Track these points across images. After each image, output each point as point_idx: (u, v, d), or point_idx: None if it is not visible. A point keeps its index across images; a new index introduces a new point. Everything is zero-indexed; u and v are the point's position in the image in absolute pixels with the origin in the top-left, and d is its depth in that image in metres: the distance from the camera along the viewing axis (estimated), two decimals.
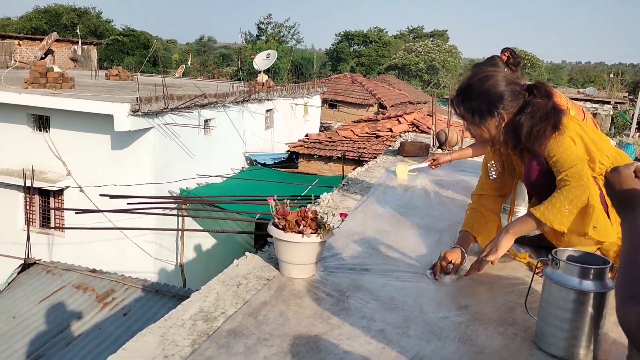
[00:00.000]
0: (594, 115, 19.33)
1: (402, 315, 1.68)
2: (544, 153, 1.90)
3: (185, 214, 8.17)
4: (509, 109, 1.92)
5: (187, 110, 9.18)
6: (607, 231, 1.83)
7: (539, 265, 1.71)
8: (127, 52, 30.13)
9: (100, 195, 6.77)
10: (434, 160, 3.58)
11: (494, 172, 2.19)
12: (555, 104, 1.93)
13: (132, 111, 7.75)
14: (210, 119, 10.16)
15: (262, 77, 12.76)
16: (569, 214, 1.78)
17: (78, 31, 19.70)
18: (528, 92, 1.94)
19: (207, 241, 9.87)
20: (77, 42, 18.47)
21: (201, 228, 8.55)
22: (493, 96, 1.91)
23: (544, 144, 1.87)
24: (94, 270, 6.45)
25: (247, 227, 9.26)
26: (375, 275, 2.00)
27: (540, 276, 1.70)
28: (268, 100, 12.47)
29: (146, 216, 7.05)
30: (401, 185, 3.59)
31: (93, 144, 8.57)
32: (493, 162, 2.20)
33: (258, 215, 7.14)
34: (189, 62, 30.07)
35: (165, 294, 5.95)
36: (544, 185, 1.94)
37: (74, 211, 6.22)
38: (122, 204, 6.22)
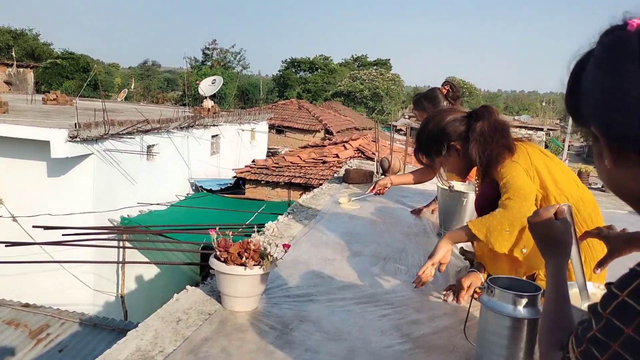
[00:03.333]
0: (528, 141, 20.34)
1: (346, 346, 1.68)
2: (496, 176, 1.94)
3: (127, 244, 7.89)
4: (458, 138, 2.03)
5: (129, 136, 8.94)
6: (537, 259, 1.86)
7: (477, 291, 1.76)
8: (67, 75, 29.14)
9: (33, 226, 6.45)
10: (376, 186, 3.65)
11: None
12: (497, 121, 1.98)
13: (70, 137, 7.47)
14: (153, 145, 9.93)
15: (208, 103, 12.67)
16: (510, 236, 1.82)
17: (13, 53, 18.93)
18: (469, 119, 2.03)
19: (150, 270, 9.54)
20: (11, 65, 17.73)
21: (143, 259, 8.27)
22: (438, 134, 2.06)
23: (498, 166, 1.92)
24: (26, 305, 6.10)
25: (192, 256, 9.05)
26: (320, 305, 1.99)
27: (477, 299, 1.75)
28: (214, 125, 12.35)
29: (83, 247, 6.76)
30: (346, 213, 3.62)
31: (28, 171, 8.17)
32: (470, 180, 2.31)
33: (202, 245, 6.99)
34: (132, 87, 29.45)
35: (104, 328, 5.69)
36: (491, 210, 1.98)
37: (3, 244, 5.88)
38: (58, 234, 5.94)
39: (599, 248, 1.85)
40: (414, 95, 3.13)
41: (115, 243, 7.80)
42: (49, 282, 8.01)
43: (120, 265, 8.47)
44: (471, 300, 1.68)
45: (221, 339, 1.65)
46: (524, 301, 1.46)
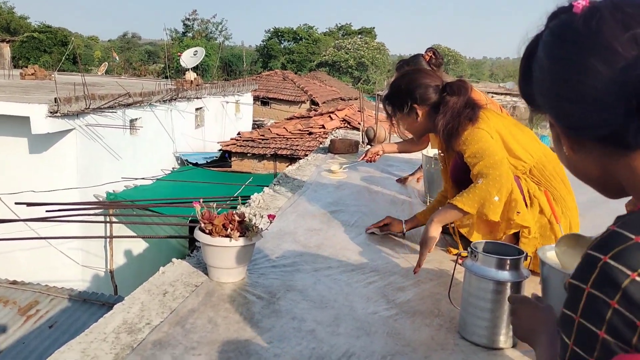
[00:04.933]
0: (514, 108, 20.36)
1: (332, 313, 1.69)
2: (458, 148, 1.99)
3: (114, 219, 7.84)
4: (423, 103, 2.07)
5: (111, 110, 8.79)
6: (527, 216, 1.96)
7: (461, 255, 1.78)
8: (44, 49, 28.48)
9: (16, 203, 6.36)
10: (368, 153, 3.63)
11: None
12: (470, 99, 2.02)
13: (51, 112, 7.32)
14: (136, 119, 9.79)
15: (190, 75, 12.46)
16: (500, 203, 1.87)
17: None
18: (443, 90, 2.05)
19: (139, 245, 9.52)
20: None
21: (130, 233, 8.23)
22: (407, 92, 2.10)
23: (458, 139, 1.97)
24: (14, 282, 6.07)
25: (180, 230, 9.04)
26: (307, 274, 2.01)
27: (461, 264, 1.77)
28: (197, 98, 12.18)
29: (71, 223, 6.71)
30: (332, 182, 3.62)
31: (8, 148, 8.03)
32: (439, 151, 2.32)
33: (190, 218, 6.97)
34: (117, 59, 28.82)
35: (94, 303, 5.70)
36: (467, 181, 2.01)
37: None
38: (42, 211, 5.88)
39: (569, 199, 2.04)
40: (397, 62, 3.11)
41: (101, 218, 7.75)
42: (36, 260, 7.97)
43: (108, 240, 8.43)
44: (455, 265, 1.70)
45: (208, 310, 1.65)
46: (507, 264, 1.47)
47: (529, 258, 1.55)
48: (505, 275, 1.47)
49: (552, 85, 0.70)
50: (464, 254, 1.74)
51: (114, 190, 8.74)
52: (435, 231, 1.94)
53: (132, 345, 1.42)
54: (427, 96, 2.06)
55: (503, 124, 2.02)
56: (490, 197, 1.85)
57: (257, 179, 9.19)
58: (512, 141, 1.99)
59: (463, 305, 1.58)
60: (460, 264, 1.86)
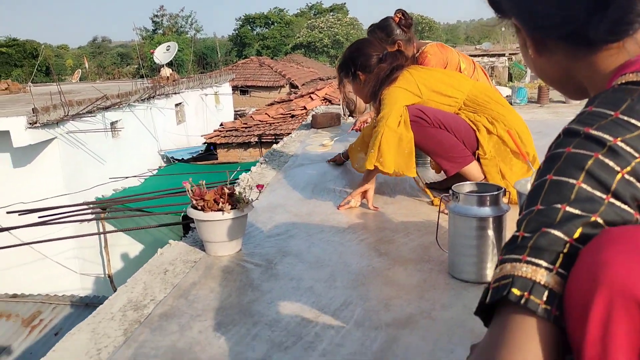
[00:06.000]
0: (492, 68, 20.41)
1: (328, 271, 1.76)
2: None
3: (106, 222, 7.85)
4: (364, 70, 2.36)
5: (90, 115, 8.74)
6: (386, 161, 2.19)
7: (442, 202, 1.85)
8: (15, 63, 28.06)
9: (8, 212, 6.35)
10: (357, 123, 3.76)
11: None
12: (398, 65, 2.32)
13: (30, 123, 7.28)
14: (116, 121, 9.74)
15: (166, 71, 12.38)
16: (373, 153, 2.19)
17: None
18: (381, 59, 2.34)
19: (134, 248, 9.53)
20: None
21: (124, 236, 8.25)
22: (351, 60, 2.39)
23: (378, 97, 2.30)
24: (14, 295, 6.09)
25: (174, 227, 9.06)
26: (300, 240, 2.07)
27: (446, 213, 1.84)
28: (176, 93, 12.11)
29: (62, 231, 6.71)
30: (318, 155, 3.67)
31: None
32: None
33: (183, 213, 6.99)
34: (87, 66, 28.46)
35: (96, 306, 5.74)
36: None
37: None
38: (35, 219, 5.89)
39: (509, 116, 2.29)
40: (369, 26, 3.14)
41: (93, 222, 7.76)
42: (34, 274, 7.98)
43: (103, 245, 8.45)
44: (439, 211, 1.77)
45: (209, 282, 1.71)
46: (487, 201, 1.55)
47: (507, 193, 1.62)
48: (486, 211, 1.55)
49: None
50: (440, 202, 1.81)
51: (103, 195, 8.73)
52: (361, 187, 2.36)
53: (140, 320, 1.48)
54: (368, 64, 2.34)
55: (429, 74, 2.34)
56: (369, 150, 2.22)
57: (245, 167, 9.20)
58: (440, 85, 2.30)
59: (450, 246, 1.65)
60: (445, 213, 1.93)
